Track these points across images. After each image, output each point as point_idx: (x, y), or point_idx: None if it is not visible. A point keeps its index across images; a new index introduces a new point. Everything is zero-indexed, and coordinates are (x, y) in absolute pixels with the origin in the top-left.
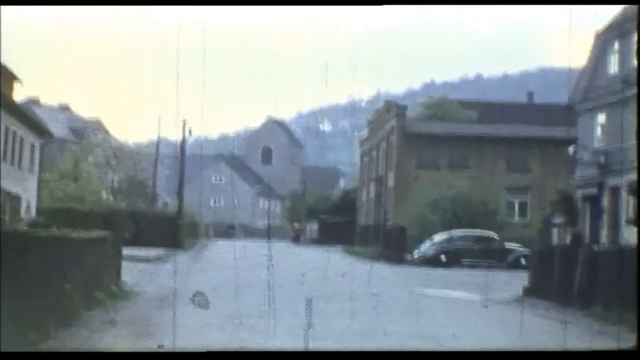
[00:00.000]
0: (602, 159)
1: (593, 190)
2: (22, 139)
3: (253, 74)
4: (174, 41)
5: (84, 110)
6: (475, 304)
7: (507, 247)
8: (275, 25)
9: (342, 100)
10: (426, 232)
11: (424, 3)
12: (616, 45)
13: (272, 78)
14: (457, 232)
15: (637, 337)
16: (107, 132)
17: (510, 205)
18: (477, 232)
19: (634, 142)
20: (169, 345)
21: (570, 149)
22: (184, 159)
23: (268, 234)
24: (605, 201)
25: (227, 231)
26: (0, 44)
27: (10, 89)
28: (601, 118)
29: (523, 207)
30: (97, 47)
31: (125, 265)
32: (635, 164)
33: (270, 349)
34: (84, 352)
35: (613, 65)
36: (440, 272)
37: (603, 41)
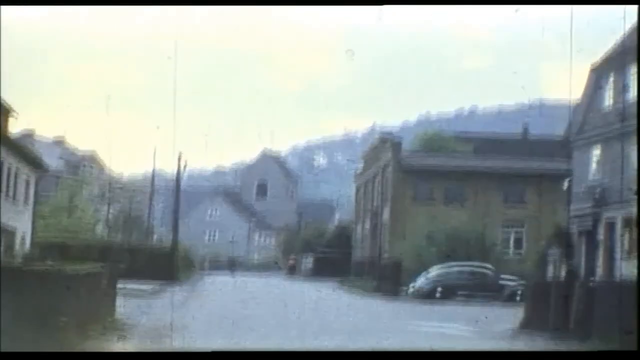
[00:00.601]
0: (597, 193)
1: (588, 224)
2: (17, 173)
3: (248, 107)
4: (170, 75)
5: (79, 142)
6: (469, 337)
7: (502, 280)
8: (271, 58)
9: (338, 133)
10: (422, 266)
11: (424, 3)
12: (611, 79)
13: (268, 111)
14: (453, 266)
15: (637, 338)
16: (102, 165)
17: (506, 239)
18: (473, 265)
19: (628, 175)
20: None
21: (566, 183)
22: (179, 192)
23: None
24: (601, 235)
25: (229, 264)
26: (0, 44)
27: (6, 122)
28: (597, 152)
29: (519, 240)
30: (92, 78)
31: (120, 298)
32: (634, 194)
33: (271, 349)
34: (84, 352)
35: (608, 99)
36: (436, 306)
37: (598, 75)
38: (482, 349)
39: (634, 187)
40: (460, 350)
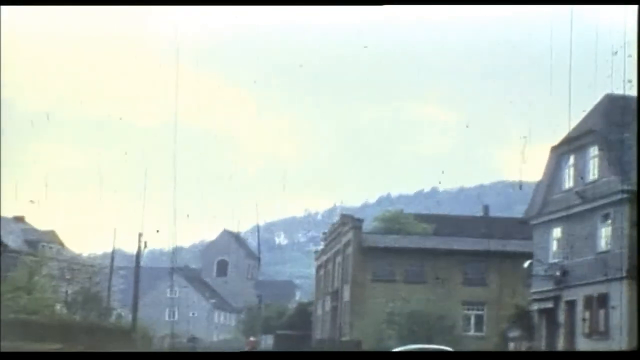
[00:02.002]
0: (558, 273)
1: (549, 304)
2: None
3: (209, 186)
4: (130, 156)
5: (39, 222)
6: None
7: None
8: (231, 138)
9: (299, 213)
10: (382, 347)
11: (423, 3)
12: (571, 160)
13: (228, 191)
14: (413, 348)
15: (637, 337)
16: (61, 244)
17: (467, 319)
18: (433, 347)
19: (588, 257)
20: None
21: (527, 263)
22: (138, 271)
23: None
24: (562, 315)
25: (189, 343)
26: (0, 44)
27: None
28: (557, 232)
29: (479, 321)
30: (51, 158)
31: None
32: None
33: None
34: (84, 352)
35: (568, 180)
36: None
37: (558, 155)
38: (482, 349)
39: (596, 268)
40: (460, 351)
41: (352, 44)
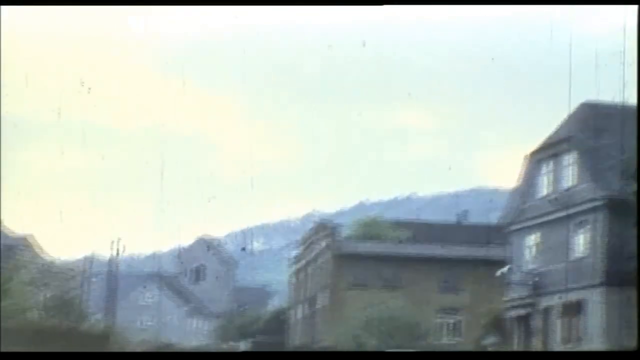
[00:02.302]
0: (533, 280)
1: (525, 311)
2: None
3: (185, 191)
4: (107, 161)
5: (14, 226)
6: None
7: None
8: (211, 144)
9: (275, 219)
10: None
11: (423, 3)
12: (548, 166)
13: (204, 196)
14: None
15: (637, 337)
16: (38, 249)
17: (442, 326)
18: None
19: (564, 264)
20: None
21: (503, 270)
22: (114, 276)
23: None
24: (537, 322)
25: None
26: (0, 44)
27: None
28: (533, 239)
29: (455, 327)
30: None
31: None
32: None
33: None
34: (84, 352)
35: (545, 186)
36: None
37: (535, 162)
38: (482, 349)
39: (572, 275)
40: (460, 351)
41: (338, 46)
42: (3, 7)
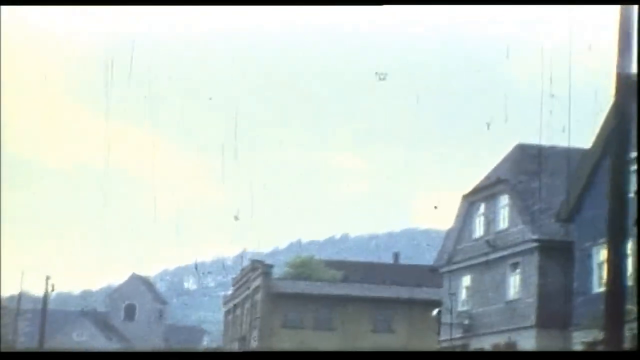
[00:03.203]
0: (466, 321)
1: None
2: None
3: (118, 230)
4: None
5: None
6: None
7: None
8: (142, 183)
9: (208, 258)
10: None
11: (423, 3)
12: (482, 208)
13: (137, 234)
14: None
15: (637, 337)
16: None
17: None
18: None
19: (497, 305)
20: None
21: (435, 311)
22: (45, 314)
23: None
24: None
25: None
26: (0, 43)
27: None
28: (466, 280)
29: None
30: None
31: None
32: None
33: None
34: (84, 352)
35: (478, 228)
36: None
37: (469, 203)
38: (482, 349)
39: (505, 317)
40: (460, 351)
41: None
42: (3, 7)
